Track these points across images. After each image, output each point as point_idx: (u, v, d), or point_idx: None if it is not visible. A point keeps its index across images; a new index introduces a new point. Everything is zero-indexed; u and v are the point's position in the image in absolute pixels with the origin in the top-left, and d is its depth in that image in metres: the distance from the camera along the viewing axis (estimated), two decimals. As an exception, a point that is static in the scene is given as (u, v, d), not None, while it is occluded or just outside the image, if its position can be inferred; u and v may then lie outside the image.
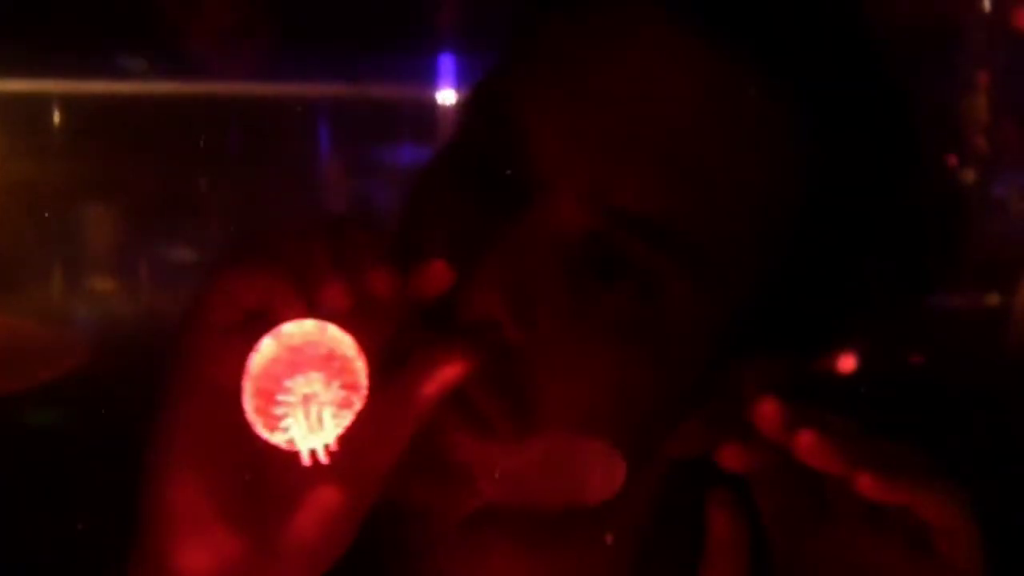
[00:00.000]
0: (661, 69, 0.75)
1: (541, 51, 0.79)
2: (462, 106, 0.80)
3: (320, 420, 0.64)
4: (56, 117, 2.07)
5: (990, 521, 0.71)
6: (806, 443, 0.68)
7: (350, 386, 0.65)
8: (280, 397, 0.64)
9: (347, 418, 0.64)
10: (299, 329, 0.64)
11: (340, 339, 0.64)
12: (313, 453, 0.64)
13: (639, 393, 0.76)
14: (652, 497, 0.82)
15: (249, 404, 0.63)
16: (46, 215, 1.98)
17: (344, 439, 0.67)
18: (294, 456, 0.65)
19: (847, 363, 0.87)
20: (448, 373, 0.69)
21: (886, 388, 0.87)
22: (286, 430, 0.64)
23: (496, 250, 0.74)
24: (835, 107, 0.78)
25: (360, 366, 0.65)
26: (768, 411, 0.69)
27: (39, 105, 2.05)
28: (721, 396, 0.78)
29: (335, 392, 0.64)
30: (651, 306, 0.74)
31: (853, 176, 0.78)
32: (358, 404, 0.64)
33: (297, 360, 0.64)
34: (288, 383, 0.64)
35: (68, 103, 2.06)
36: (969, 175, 2.43)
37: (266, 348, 0.64)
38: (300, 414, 0.64)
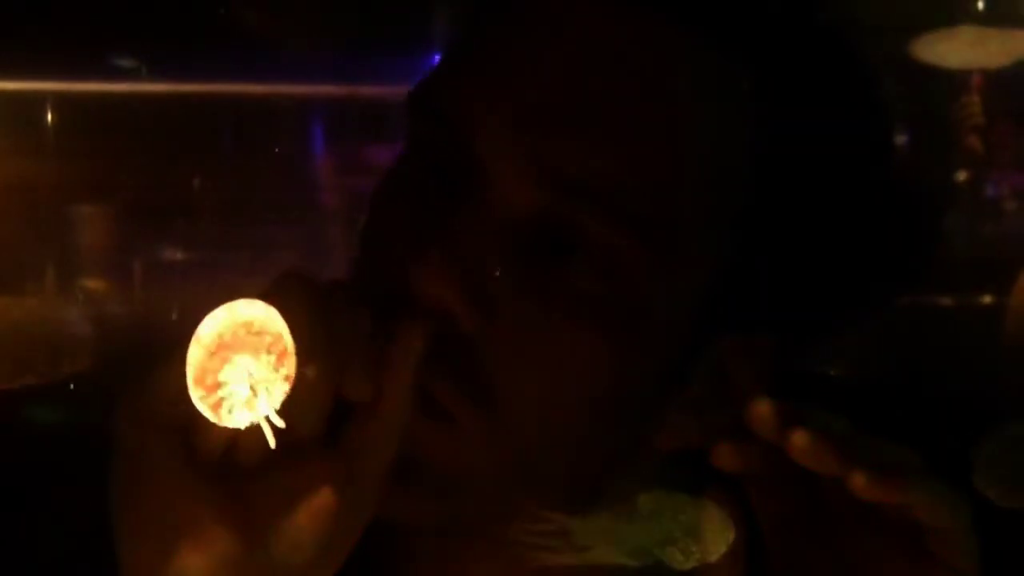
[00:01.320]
0: (595, 35, 0.74)
1: (473, 37, 0.78)
2: (407, 110, 0.79)
3: (264, 394, 0.65)
4: (49, 117, 2.06)
5: (985, 521, 0.71)
6: (799, 443, 0.68)
7: (280, 356, 0.65)
8: (222, 384, 0.65)
9: (283, 387, 0.65)
10: (228, 313, 0.66)
11: (264, 314, 0.65)
12: (273, 430, 0.65)
13: (611, 377, 0.74)
14: (647, 488, 0.81)
15: (194, 395, 0.65)
16: (40, 215, 1.98)
17: (337, 441, 0.67)
18: (288, 460, 0.66)
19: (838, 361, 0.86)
20: (409, 355, 0.68)
21: (881, 388, 0.87)
22: (226, 408, 0.65)
23: (442, 237, 0.73)
24: (783, 70, 0.76)
25: (286, 334, 0.65)
26: (761, 411, 0.69)
27: (32, 105, 2.05)
28: (704, 382, 0.76)
29: (267, 366, 0.65)
30: (609, 282, 0.72)
31: (805, 143, 0.77)
32: (290, 370, 0.65)
33: (231, 344, 0.65)
34: (224, 370, 0.65)
35: (61, 103, 2.06)
36: (963, 175, 2.43)
37: (204, 337, 0.65)
38: (240, 395, 0.65)
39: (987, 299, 2.20)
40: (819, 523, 0.73)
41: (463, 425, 0.72)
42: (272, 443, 0.65)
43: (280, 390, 0.65)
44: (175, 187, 2.01)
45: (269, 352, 0.65)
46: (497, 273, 0.72)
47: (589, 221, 0.72)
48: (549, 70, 0.74)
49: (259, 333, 0.66)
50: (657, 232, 0.72)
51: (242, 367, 0.65)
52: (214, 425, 0.65)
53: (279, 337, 0.65)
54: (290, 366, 0.65)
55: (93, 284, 2.07)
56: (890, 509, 0.70)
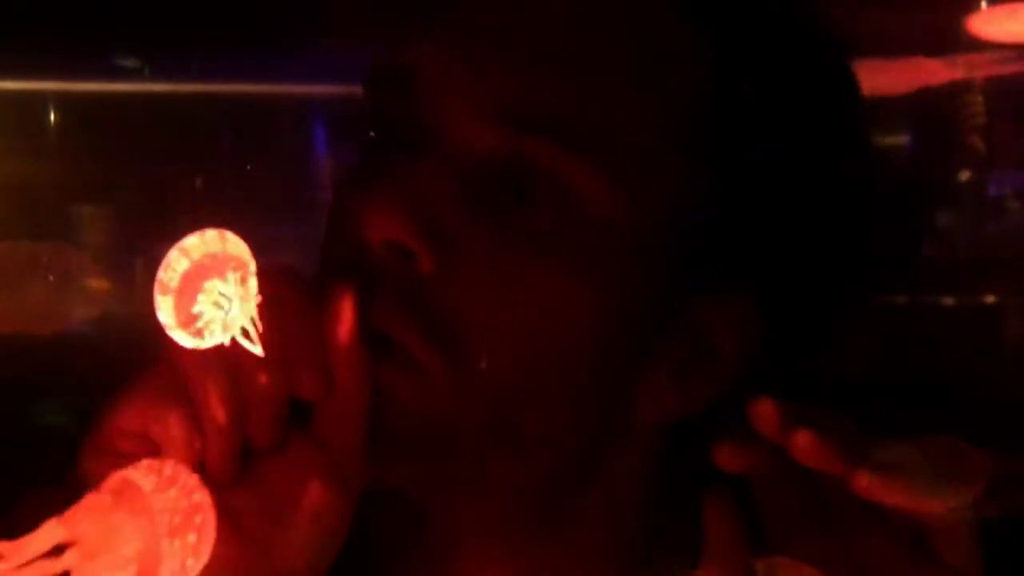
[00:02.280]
0: None
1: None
2: (368, 92, 0.78)
3: (239, 307, 0.66)
4: (51, 116, 2.06)
5: (987, 523, 0.71)
6: (802, 443, 0.67)
7: (243, 274, 0.66)
8: (194, 309, 0.66)
9: (255, 300, 0.66)
10: (184, 252, 0.67)
11: (222, 241, 0.67)
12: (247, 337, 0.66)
13: (581, 321, 0.72)
14: (639, 474, 0.79)
15: (178, 337, 0.65)
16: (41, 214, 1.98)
17: (311, 426, 0.68)
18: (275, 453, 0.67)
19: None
20: (348, 333, 0.68)
21: (883, 387, 0.86)
22: (208, 332, 0.66)
23: (397, 183, 0.72)
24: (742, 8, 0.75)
25: (246, 254, 0.67)
26: (764, 410, 0.69)
27: (33, 105, 2.05)
28: (682, 343, 0.75)
29: (235, 283, 0.66)
30: (568, 217, 0.71)
31: (768, 78, 0.75)
32: (254, 285, 0.66)
33: (196, 276, 0.66)
34: (198, 301, 0.66)
35: (62, 102, 2.06)
36: (965, 175, 2.43)
37: (171, 281, 0.66)
38: (217, 316, 0.66)
39: (988, 299, 2.20)
40: (823, 522, 0.73)
41: (433, 373, 0.71)
42: (259, 352, 0.66)
43: (252, 303, 0.66)
44: (175, 187, 2.01)
45: (235, 271, 0.66)
46: (451, 212, 0.71)
47: (543, 154, 0.71)
48: (494, 5, 0.74)
49: (221, 258, 0.67)
50: (612, 162, 0.71)
51: (213, 291, 0.66)
52: (182, 448, 0.66)
53: (240, 257, 0.66)
54: (254, 284, 0.66)
55: (93, 283, 2.07)
56: (894, 509, 0.69)
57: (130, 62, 2.08)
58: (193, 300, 0.66)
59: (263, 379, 0.67)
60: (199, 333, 0.66)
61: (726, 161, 0.74)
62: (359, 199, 0.72)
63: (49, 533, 0.64)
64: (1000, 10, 2.22)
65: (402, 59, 0.75)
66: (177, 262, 0.67)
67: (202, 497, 0.66)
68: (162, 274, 0.67)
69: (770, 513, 0.73)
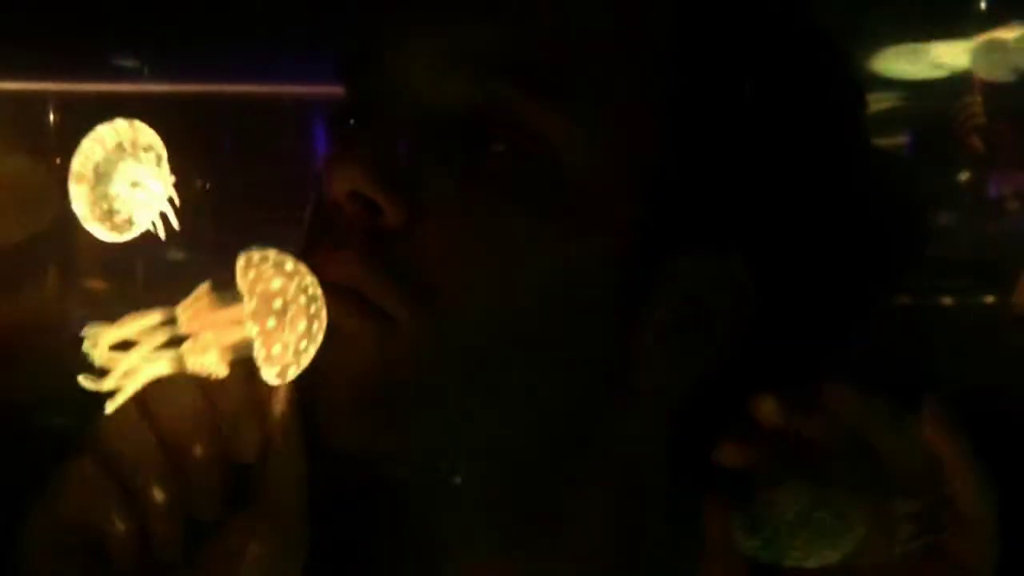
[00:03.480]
0: None
1: None
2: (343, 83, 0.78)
3: (152, 192, 0.67)
4: (51, 117, 2.07)
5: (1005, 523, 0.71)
6: (837, 400, 0.67)
7: (155, 155, 0.67)
8: (111, 190, 0.67)
9: (170, 180, 0.66)
10: (112, 129, 0.67)
11: (131, 128, 0.67)
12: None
13: (556, 271, 0.71)
14: (642, 463, 0.77)
15: (98, 231, 0.66)
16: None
17: (247, 496, 0.68)
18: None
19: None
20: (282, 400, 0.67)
21: (883, 388, 0.86)
22: (126, 224, 0.66)
23: (362, 137, 0.71)
24: None
25: (156, 142, 0.67)
26: (767, 406, 0.68)
27: (34, 105, 2.05)
28: (671, 305, 0.73)
29: (149, 163, 0.67)
30: (534, 161, 0.69)
31: (739, 27, 0.73)
32: (167, 168, 0.66)
33: (107, 164, 0.67)
34: (112, 187, 0.67)
35: (63, 103, 2.06)
36: (965, 175, 2.44)
37: (83, 176, 0.67)
38: (134, 199, 0.66)
39: (988, 299, 2.20)
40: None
41: (406, 325, 0.70)
42: (175, 224, 0.66)
43: (168, 184, 0.66)
44: (178, 187, 2.00)
45: (146, 151, 0.66)
46: (417, 162, 0.70)
47: (505, 98, 0.70)
48: None
49: (134, 143, 0.67)
50: (577, 107, 0.70)
51: (128, 174, 0.66)
52: (126, 536, 0.65)
53: (150, 143, 0.67)
54: (166, 167, 0.66)
55: (93, 284, 2.07)
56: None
57: (128, 62, 2.08)
58: (109, 186, 0.66)
59: (199, 451, 0.66)
60: (117, 227, 0.65)
61: (699, 114, 0.73)
62: (328, 162, 0.72)
63: None
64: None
65: (368, 38, 0.75)
66: (91, 151, 0.66)
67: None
68: (76, 163, 0.66)
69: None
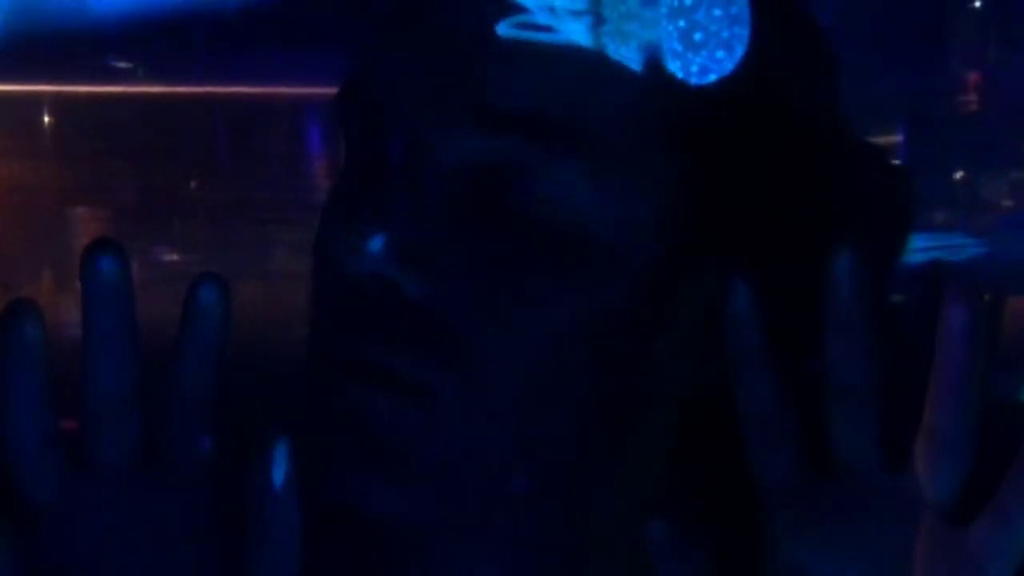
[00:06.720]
0: None
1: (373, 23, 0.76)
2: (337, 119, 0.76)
3: None
4: (46, 118, 2.07)
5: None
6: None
7: None
8: None
9: None
10: None
11: None
12: None
13: (580, 317, 0.71)
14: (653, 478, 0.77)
15: None
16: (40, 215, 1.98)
17: None
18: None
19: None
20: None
21: (882, 388, 0.86)
22: None
23: (371, 205, 0.70)
24: None
25: None
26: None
27: (28, 107, 2.05)
28: (691, 320, 0.73)
29: None
30: (548, 209, 0.69)
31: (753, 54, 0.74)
32: None
33: None
34: None
35: (57, 105, 2.06)
36: (958, 173, 2.44)
37: None
38: None
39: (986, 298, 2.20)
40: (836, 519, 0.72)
41: (439, 394, 0.70)
42: None
43: None
44: (173, 188, 2.01)
45: None
46: (432, 230, 0.69)
47: (521, 154, 0.69)
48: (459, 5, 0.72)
49: None
50: (594, 159, 0.70)
51: None
52: None
53: None
54: None
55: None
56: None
57: (122, 64, 2.08)
58: None
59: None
60: None
61: (715, 148, 0.73)
62: (336, 229, 0.71)
63: None
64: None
65: (366, 71, 0.74)
66: None
67: None
68: None
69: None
